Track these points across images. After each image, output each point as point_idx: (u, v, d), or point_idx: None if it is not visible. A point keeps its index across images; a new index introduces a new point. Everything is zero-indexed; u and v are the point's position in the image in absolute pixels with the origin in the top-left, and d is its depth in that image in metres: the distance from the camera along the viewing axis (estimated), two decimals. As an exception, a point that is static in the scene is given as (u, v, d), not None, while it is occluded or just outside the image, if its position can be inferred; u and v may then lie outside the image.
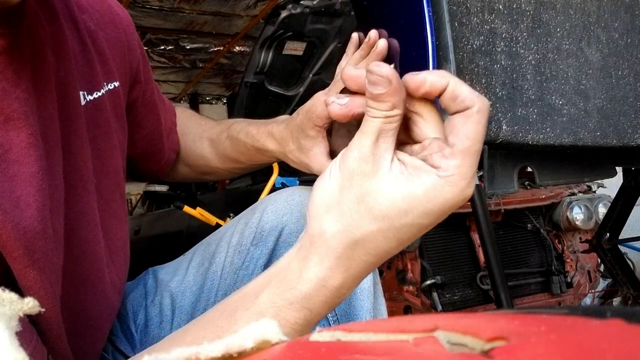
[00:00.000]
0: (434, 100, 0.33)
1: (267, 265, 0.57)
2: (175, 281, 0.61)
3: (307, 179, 2.06)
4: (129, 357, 0.57)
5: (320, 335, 0.19)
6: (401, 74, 0.49)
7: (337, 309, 0.56)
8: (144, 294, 0.62)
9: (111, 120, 0.54)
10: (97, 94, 0.52)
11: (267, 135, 0.59)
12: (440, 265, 1.69)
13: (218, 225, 1.54)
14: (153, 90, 0.67)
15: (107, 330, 0.54)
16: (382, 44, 0.47)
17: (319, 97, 0.53)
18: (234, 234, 0.60)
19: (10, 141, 0.40)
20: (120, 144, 0.56)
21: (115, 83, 0.56)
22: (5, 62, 0.41)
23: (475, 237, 1.69)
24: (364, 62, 0.50)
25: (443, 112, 0.32)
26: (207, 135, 0.68)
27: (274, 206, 0.58)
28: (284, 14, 1.85)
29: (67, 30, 0.50)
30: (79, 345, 0.47)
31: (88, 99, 0.51)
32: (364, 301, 0.58)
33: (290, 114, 0.59)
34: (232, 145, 0.64)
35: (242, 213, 0.63)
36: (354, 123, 0.49)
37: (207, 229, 1.65)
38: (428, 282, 1.61)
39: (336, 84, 0.53)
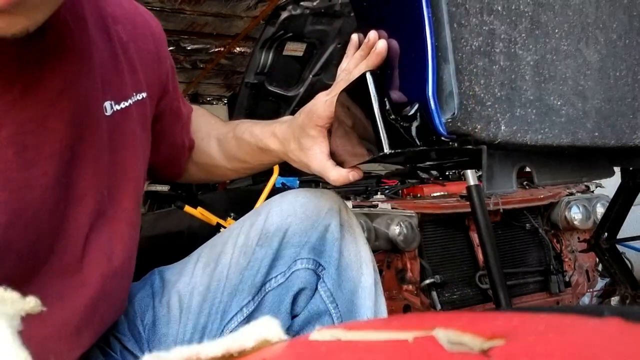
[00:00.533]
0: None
1: (271, 265, 0.58)
2: (183, 282, 0.62)
3: (307, 179, 2.06)
4: (136, 356, 0.58)
5: (320, 335, 0.19)
6: (400, 74, 0.49)
7: (340, 307, 0.57)
8: (151, 294, 0.63)
9: (137, 130, 0.56)
10: (124, 103, 0.53)
11: (270, 135, 0.60)
12: (440, 265, 1.69)
13: (219, 225, 1.54)
14: (179, 98, 0.68)
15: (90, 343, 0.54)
16: (382, 44, 0.48)
17: (320, 98, 0.53)
18: (240, 235, 0.61)
19: None
20: (144, 153, 0.58)
21: (143, 94, 0.57)
22: (15, 69, 0.42)
23: (474, 236, 1.69)
24: (364, 62, 0.50)
25: None
26: (214, 135, 0.69)
27: (279, 208, 0.59)
28: (284, 15, 1.85)
29: (99, 41, 0.52)
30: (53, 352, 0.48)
31: (115, 109, 0.52)
32: (365, 299, 0.59)
33: (291, 114, 0.60)
34: (237, 145, 0.65)
35: (247, 214, 0.64)
36: (353, 125, 0.50)
37: (208, 229, 1.65)
38: (427, 281, 1.61)
39: (337, 85, 0.53)
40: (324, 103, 0.52)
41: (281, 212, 0.59)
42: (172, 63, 0.67)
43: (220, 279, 0.60)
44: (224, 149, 0.68)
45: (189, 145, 0.70)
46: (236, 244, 0.61)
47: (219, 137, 0.68)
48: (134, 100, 0.55)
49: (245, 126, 0.64)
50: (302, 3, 1.84)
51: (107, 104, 0.51)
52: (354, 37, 0.53)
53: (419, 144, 0.45)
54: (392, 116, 0.45)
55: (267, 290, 0.58)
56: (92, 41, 0.50)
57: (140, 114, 0.56)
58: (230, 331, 0.59)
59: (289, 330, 0.60)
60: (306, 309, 0.58)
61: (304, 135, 0.54)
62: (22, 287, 0.35)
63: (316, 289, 0.58)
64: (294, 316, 0.60)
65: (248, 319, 0.58)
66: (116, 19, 0.56)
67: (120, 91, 0.53)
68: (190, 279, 0.62)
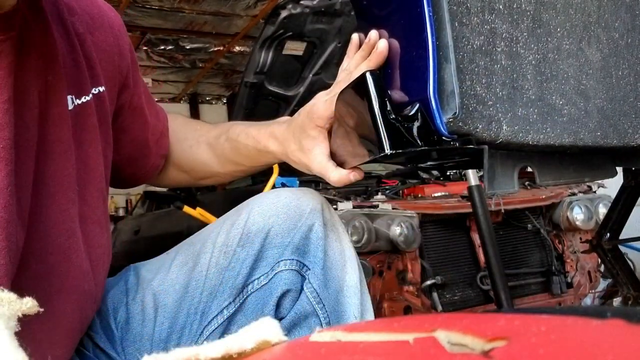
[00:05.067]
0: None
1: (253, 266, 0.57)
2: (158, 279, 0.61)
3: (307, 179, 2.06)
4: (109, 354, 0.58)
5: (320, 336, 0.19)
6: (401, 74, 0.49)
7: (327, 307, 0.57)
8: (124, 291, 0.61)
9: (97, 124, 0.54)
10: (84, 98, 0.52)
11: (268, 136, 0.59)
12: (441, 266, 1.69)
13: (218, 225, 1.53)
14: (141, 95, 0.66)
15: (77, 341, 0.54)
16: (383, 44, 0.47)
17: (320, 98, 0.53)
18: (220, 234, 0.60)
19: None
20: (104, 150, 0.56)
21: (101, 88, 0.55)
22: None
23: (476, 237, 1.69)
24: (365, 63, 0.50)
25: None
26: (204, 140, 0.68)
27: (260, 208, 0.58)
28: (283, 13, 1.85)
29: (55, 33, 0.50)
30: (44, 353, 0.47)
31: (76, 103, 0.51)
32: (352, 298, 0.58)
33: (291, 114, 0.59)
34: (232, 148, 0.64)
35: (227, 214, 0.63)
36: (353, 125, 0.49)
37: (207, 229, 1.64)
38: (428, 282, 1.61)
39: (337, 85, 0.53)
40: (324, 103, 0.52)
41: (263, 212, 0.58)
42: (134, 57, 0.64)
43: (199, 278, 0.59)
44: (217, 153, 0.67)
45: (159, 151, 0.68)
46: (216, 243, 0.59)
47: (210, 142, 0.67)
48: (92, 95, 0.54)
49: (240, 128, 0.63)
50: (302, 2, 1.84)
51: (69, 98, 0.50)
52: (355, 36, 0.53)
53: (420, 144, 0.44)
54: (393, 116, 0.44)
55: (249, 292, 0.57)
56: (51, 34, 0.49)
57: (99, 109, 0.55)
58: (211, 333, 0.57)
59: None
60: (292, 310, 0.57)
61: (304, 136, 0.54)
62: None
63: (301, 290, 0.57)
64: (280, 319, 0.58)
65: (229, 321, 0.57)
66: (72, 10, 0.54)
67: (79, 85, 0.52)
68: (165, 277, 0.60)
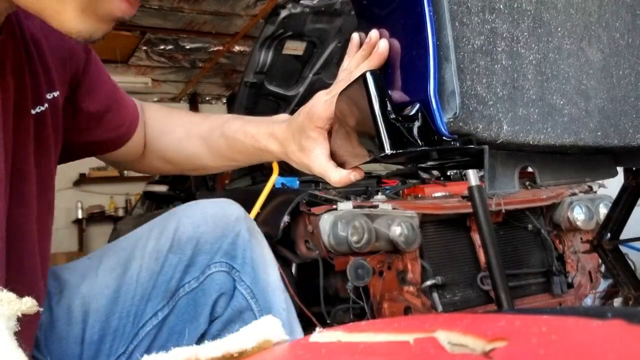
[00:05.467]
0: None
1: (185, 271, 0.63)
2: (86, 285, 0.63)
3: (307, 178, 2.06)
4: (34, 356, 0.59)
5: (321, 336, 0.19)
6: (402, 74, 0.49)
7: (259, 302, 0.63)
8: (46, 295, 0.62)
9: (51, 133, 0.54)
10: (40, 108, 0.52)
11: (268, 136, 0.59)
12: (441, 266, 1.69)
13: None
14: (102, 92, 0.64)
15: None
16: (384, 44, 0.47)
17: (319, 98, 0.53)
18: (149, 240, 0.64)
19: None
20: (55, 159, 0.57)
21: (55, 93, 0.55)
22: None
23: (476, 237, 1.69)
24: (366, 63, 0.50)
25: None
26: (196, 133, 0.68)
27: (189, 218, 0.64)
28: (283, 13, 1.85)
29: (12, 40, 0.49)
30: None
31: (32, 113, 0.51)
32: (278, 296, 0.64)
33: (291, 114, 0.59)
34: (227, 145, 0.64)
35: (152, 221, 0.68)
36: (354, 125, 0.49)
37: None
38: (428, 282, 1.61)
39: (337, 85, 0.53)
40: (323, 104, 0.52)
41: (192, 222, 0.63)
42: (89, 53, 0.61)
43: (131, 283, 0.63)
44: (210, 147, 0.66)
45: (133, 121, 0.66)
46: (145, 250, 0.64)
47: (202, 135, 0.67)
48: (47, 102, 0.53)
49: (237, 125, 0.63)
50: (302, 1, 1.84)
51: (30, 107, 0.50)
52: (355, 36, 0.53)
53: (420, 144, 0.44)
54: (393, 116, 0.44)
55: (180, 295, 0.63)
56: (18, 42, 0.48)
57: (53, 116, 0.55)
58: (146, 334, 0.62)
59: (206, 333, 0.65)
60: (229, 308, 0.63)
61: (305, 137, 0.54)
62: None
63: (235, 288, 0.63)
64: (215, 318, 0.64)
65: (162, 322, 0.62)
66: (27, 13, 0.53)
67: (36, 94, 0.52)
68: (95, 282, 0.63)
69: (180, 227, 0.63)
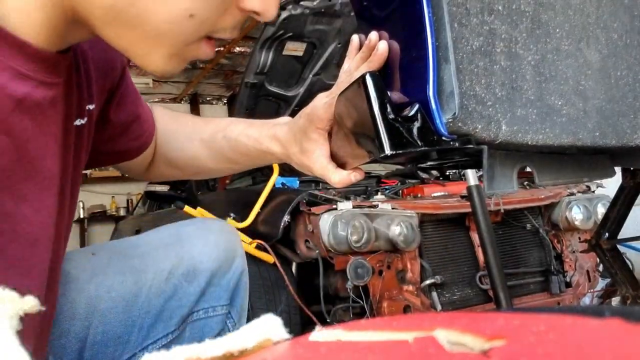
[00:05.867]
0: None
1: (197, 300, 0.68)
2: (93, 283, 0.63)
3: (308, 179, 2.06)
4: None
5: (321, 335, 0.19)
6: (401, 75, 0.49)
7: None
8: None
9: (84, 146, 0.55)
10: (80, 121, 0.52)
11: (270, 139, 0.59)
12: (440, 265, 1.69)
13: (218, 225, 1.54)
14: (128, 103, 0.65)
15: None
16: (383, 46, 0.47)
17: (320, 100, 0.53)
18: (164, 260, 0.67)
19: (42, 202, 0.44)
20: (83, 168, 0.58)
21: (92, 105, 0.55)
22: (53, 115, 0.44)
23: (475, 236, 1.69)
24: (366, 64, 0.50)
25: None
26: (198, 137, 0.68)
27: (206, 247, 0.68)
28: (284, 14, 1.85)
29: (76, 55, 0.50)
30: None
31: (75, 124, 0.52)
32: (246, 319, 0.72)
33: (291, 114, 0.59)
34: (230, 147, 0.64)
35: (165, 232, 0.71)
36: (353, 126, 0.50)
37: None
38: (427, 281, 1.61)
39: (338, 86, 0.53)
40: (323, 105, 0.52)
41: (208, 253, 0.68)
42: (124, 66, 0.62)
43: (140, 295, 0.64)
44: (212, 150, 0.66)
45: (150, 131, 0.67)
46: (159, 267, 0.66)
47: (204, 138, 0.67)
48: (87, 114, 0.54)
49: (239, 128, 0.63)
50: (302, 3, 1.84)
51: (74, 119, 0.51)
52: (355, 38, 0.53)
53: (419, 144, 0.44)
54: (393, 117, 0.45)
55: (188, 322, 0.68)
56: (72, 57, 0.49)
57: (89, 127, 0.55)
58: (153, 348, 0.65)
59: None
60: None
61: (306, 139, 0.54)
62: None
63: (225, 323, 0.70)
64: None
65: (171, 342, 0.66)
66: None
67: (79, 107, 0.52)
68: (102, 282, 0.63)
69: (196, 255, 0.67)
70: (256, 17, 0.42)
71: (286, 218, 1.53)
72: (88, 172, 4.63)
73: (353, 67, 0.52)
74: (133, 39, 0.40)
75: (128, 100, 0.63)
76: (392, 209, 1.59)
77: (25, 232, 0.43)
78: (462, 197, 1.73)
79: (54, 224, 0.47)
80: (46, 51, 0.41)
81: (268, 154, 0.61)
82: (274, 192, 1.71)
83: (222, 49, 4.01)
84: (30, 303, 0.23)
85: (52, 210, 0.47)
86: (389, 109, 0.45)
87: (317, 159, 0.54)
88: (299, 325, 1.54)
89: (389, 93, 0.46)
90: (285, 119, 0.61)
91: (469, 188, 1.45)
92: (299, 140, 0.55)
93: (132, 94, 0.64)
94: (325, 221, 1.48)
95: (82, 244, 4.67)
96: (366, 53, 0.50)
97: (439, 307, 1.62)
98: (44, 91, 0.42)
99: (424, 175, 2.17)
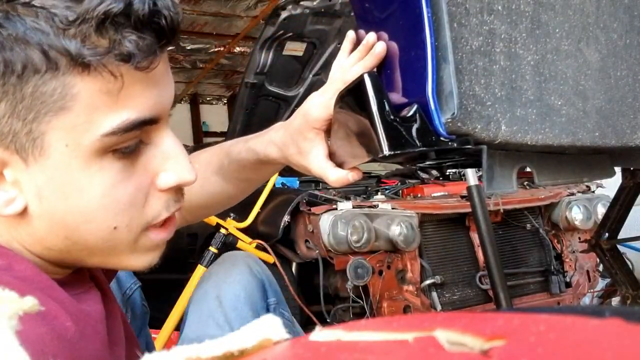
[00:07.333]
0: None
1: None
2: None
3: (307, 179, 2.06)
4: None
5: (321, 335, 0.19)
6: (400, 75, 0.49)
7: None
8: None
9: None
10: None
11: (267, 145, 0.59)
12: (440, 265, 1.69)
13: (219, 225, 1.54)
14: None
15: None
16: (380, 47, 0.47)
17: (313, 100, 0.53)
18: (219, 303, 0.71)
19: None
20: None
21: None
22: (106, 327, 0.45)
23: (475, 236, 1.69)
24: (361, 64, 0.50)
25: None
26: (210, 172, 0.67)
27: (243, 292, 0.72)
28: (284, 14, 1.85)
29: None
30: None
31: None
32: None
33: (291, 114, 0.59)
34: (238, 168, 0.64)
35: (215, 278, 0.74)
36: (352, 126, 0.50)
37: (207, 229, 1.65)
38: (427, 281, 1.61)
39: (331, 84, 0.53)
40: (318, 104, 0.52)
41: (248, 299, 0.72)
42: None
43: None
44: (226, 178, 0.66)
45: None
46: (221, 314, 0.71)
47: (216, 172, 0.66)
48: None
49: (240, 146, 0.63)
50: (302, 3, 1.84)
51: None
52: (351, 33, 0.53)
53: (418, 144, 0.44)
54: (392, 117, 0.45)
55: None
56: None
57: None
58: None
59: None
60: None
61: (302, 139, 0.54)
62: None
63: None
64: None
65: None
66: None
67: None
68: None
69: (228, 313, 0.71)
70: (182, 186, 0.43)
71: (286, 218, 1.53)
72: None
73: (347, 64, 0.52)
74: (99, 257, 0.43)
75: None
76: (392, 209, 1.59)
77: None
78: (462, 197, 1.73)
79: None
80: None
81: (268, 161, 0.60)
82: (274, 192, 1.70)
83: (222, 49, 4.01)
84: (30, 303, 0.23)
85: None
86: (387, 109, 0.45)
87: (314, 159, 0.54)
88: (299, 325, 1.54)
89: (387, 93, 0.46)
90: (280, 124, 0.60)
91: (468, 188, 1.45)
92: (295, 141, 0.55)
93: None
94: (325, 221, 1.48)
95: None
96: (362, 52, 0.50)
97: (439, 307, 1.62)
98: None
99: (424, 175, 2.17)
